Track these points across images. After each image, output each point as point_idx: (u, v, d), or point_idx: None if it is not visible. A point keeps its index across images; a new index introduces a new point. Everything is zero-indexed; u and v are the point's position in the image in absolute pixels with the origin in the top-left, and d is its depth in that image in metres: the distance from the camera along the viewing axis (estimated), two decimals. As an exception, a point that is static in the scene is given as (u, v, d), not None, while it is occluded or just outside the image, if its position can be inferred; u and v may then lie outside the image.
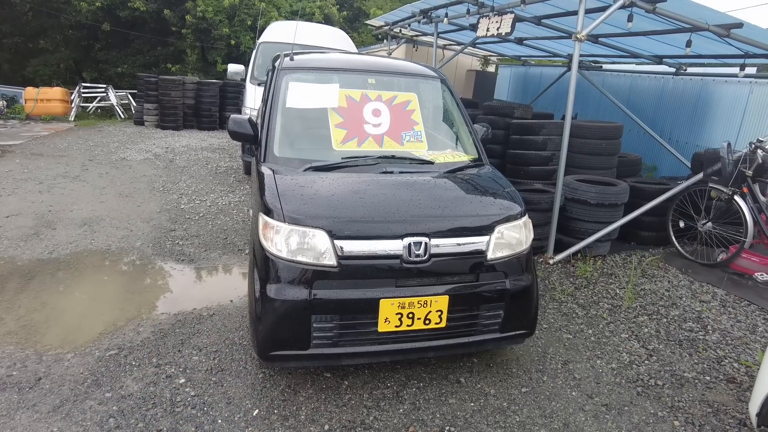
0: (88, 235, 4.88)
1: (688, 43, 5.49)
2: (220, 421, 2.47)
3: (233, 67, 9.35)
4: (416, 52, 11.61)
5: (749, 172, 4.60)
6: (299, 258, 2.45)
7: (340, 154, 3.07)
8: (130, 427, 2.39)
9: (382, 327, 2.49)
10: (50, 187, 6.46)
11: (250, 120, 3.34)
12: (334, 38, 8.25)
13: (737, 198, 4.68)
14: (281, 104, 3.25)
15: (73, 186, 6.58)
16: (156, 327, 3.30)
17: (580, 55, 5.26)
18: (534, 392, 2.87)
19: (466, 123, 3.62)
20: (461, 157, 3.36)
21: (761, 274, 4.67)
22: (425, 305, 2.51)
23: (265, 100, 3.76)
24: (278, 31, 8.27)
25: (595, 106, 9.40)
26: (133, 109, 13.91)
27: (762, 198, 4.68)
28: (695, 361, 3.32)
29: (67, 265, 4.18)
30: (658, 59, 7.63)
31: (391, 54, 10.55)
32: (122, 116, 14.13)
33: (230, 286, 4.04)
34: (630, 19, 4.79)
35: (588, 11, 4.86)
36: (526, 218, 2.88)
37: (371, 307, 2.46)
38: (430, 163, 3.15)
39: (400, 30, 10.16)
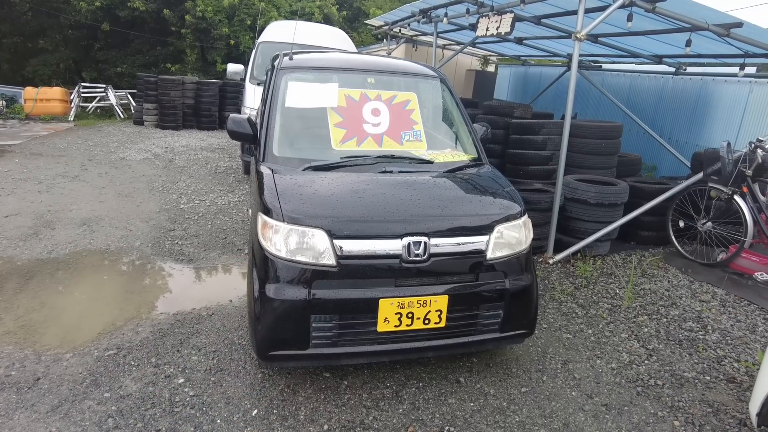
0: (88, 234, 4.87)
1: (688, 43, 5.48)
2: (219, 421, 2.47)
3: (233, 67, 9.34)
4: (416, 52, 11.60)
5: (749, 172, 4.60)
6: (298, 258, 2.44)
7: (340, 153, 3.06)
8: (128, 427, 2.39)
9: (382, 327, 2.48)
10: (49, 186, 6.45)
11: (249, 119, 3.34)
12: (333, 38, 8.24)
13: (737, 197, 4.68)
14: (280, 104, 3.25)
15: (72, 186, 6.57)
16: (155, 327, 3.29)
17: (580, 55, 5.26)
18: (534, 392, 2.86)
19: (466, 122, 3.62)
20: (461, 157, 3.35)
21: (761, 274, 4.66)
22: (425, 305, 2.50)
23: (264, 100, 3.76)
24: (278, 31, 8.26)
25: (595, 105, 9.40)
26: (132, 108, 13.91)
27: (762, 197, 4.68)
28: (695, 360, 3.31)
29: (66, 264, 4.18)
30: (658, 59, 7.62)
31: (390, 54, 10.55)
32: (122, 116, 14.12)
33: (229, 285, 4.03)
34: (630, 18, 4.79)
35: (587, 11, 4.85)
36: (525, 218, 2.88)
37: (370, 307, 2.45)
38: (430, 162, 3.15)
39: (400, 30, 10.16)
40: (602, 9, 4.76)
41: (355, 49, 8.92)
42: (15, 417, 2.41)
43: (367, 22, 12.89)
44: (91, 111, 14.42)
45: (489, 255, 2.66)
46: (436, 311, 2.53)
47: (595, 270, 4.74)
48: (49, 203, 5.75)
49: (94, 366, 2.84)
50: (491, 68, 14.21)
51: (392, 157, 3.13)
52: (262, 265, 2.52)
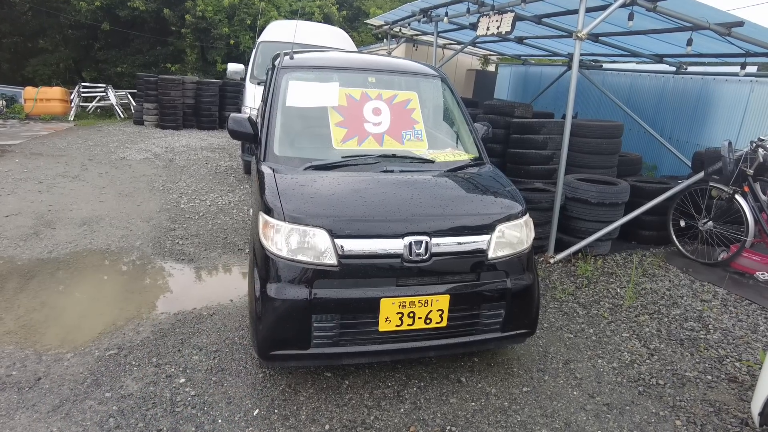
0: (88, 234, 4.87)
1: (689, 42, 5.48)
2: (220, 420, 2.46)
3: (233, 67, 9.34)
4: (416, 52, 11.59)
5: (750, 171, 4.59)
6: (299, 257, 2.44)
7: (341, 153, 3.06)
8: (130, 426, 2.38)
9: (383, 326, 2.48)
10: (50, 186, 6.45)
11: (250, 119, 3.33)
12: (334, 37, 8.24)
13: (738, 197, 4.67)
14: (281, 103, 3.24)
15: (72, 185, 6.57)
16: (156, 326, 3.29)
17: (581, 54, 5.25)
18: (535, 392, 2.86)
19: (467, 122, 3.62)
20: (462, 156, 3.35)
21: (762, 273, 4.66)
22: (426, 304, 2.50)
23: (265, 99, 3.75)
24: (278, 31, 8.26)
25: (596, 105, 9.39)
26: (132, 108, 13.91)
27: (763, 197, 4.67)
28: (697, 360, 3.31)
29: (67, 264, 4.17)
30: (659, 58, 7.61)
31: (391, 53, 10.54)
32: (122, 116, 14.12)
33: (230, 285, 4.03)
34: (631, 17, 4.78)
35: (588, 10, 4.85)
36: (527, 217, 2.87)
37: (372, 307, 2.45)
38: (431, 162, 3.14)
39: (400, 29, 10.14)
40: (603, 8, 4.76)
41: (355, 49, 8.92)
42: (16, 417, 2.41)
43: (368, 21, 12.88)
44: (91, 111, 14.42)
45: (490, 254, 2.65)
46: (438, 311, 2.53)
47: (596, 269, 4.74)
48: (49, 203, 5.75)
49: (95, 366, 2.83)
50: (492, 68, 14.20)
51: (393, 156, 3.13)
52: (264, 265, 2.51)
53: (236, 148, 9.58)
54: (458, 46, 10.33)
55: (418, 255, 2.50)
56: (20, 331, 3.14)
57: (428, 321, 2.53)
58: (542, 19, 6.61)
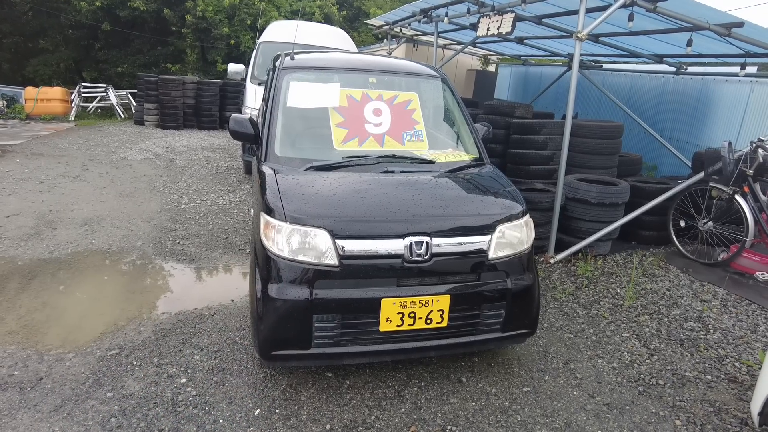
0: (89, 234, 4.88)
1: (689, 43, 5.49)
2: (221, 420, 2.47)
3: (233, 67, 9.34)
4: (416, 52, 11.60)
5: (750, 172, 4.60)
6: (301, 257, 2.45)
7: (341, 153, 3.07)
8: (131, 426, 2.39)
9: (384, 326, 2.49)
10: (51, 186, 6.46)
11: (251, 119, 3.34)
12: (334, 38, 8.24)
13: (738, 197, 4.68)
14: (282, 104, 3.25)
15: (73, 186, 6.58)
16: (157, 326, 3.30)
17: (581, 55, 5.25)
18: (535, 391, 2.87)
19: (467, 122, 3.62)
20: (462, 157, 3.35)
21: (762, 274, 4.67)
22: (427, 305, 2.51)
23: (265, 100, 3.76)
24: (278, 31, 8.26)
25: (596, 105, 9.39)
26: (133, 108, 13.91)
27: (763, 197, 4.67)
28: (696, 360, 3.32)
29: (68, 264, 4.18)
30: (659, 58, 7.62)
31: (391, 53, 10.55)
32: (122, 116, 14.13)
33: (231, 285, 4.03)
34: (631, 18, 4.79)
35: (589, 10, 4.86)
36: (527, 217, 2.88)
37: (373, 307, 2.45)
38: (431, 162, 3.15)
39: (401, 29, 10.15)
40: (603, 9, 4.76)
41: (355, 49, 8.92)
42: (18, 416, 2.42)
43: (368, 21, 12.88)
44: (91, 111, 14.42)
45: (491, 255, 2.66)
46: (438, 311, 2.53)
47: (596, 270, 4.74)
48: (50, 203, 5.76)
49: (97, 366, 2.84)
50: (492, 68, 14.20)
51: (394, 157, 3.14)
52: (265, 265, 2.52)
53: (237, 148, 9.59)
54: (458, 47, 10.33)
55: (419, 255, 2.50)
56: (22, 331, 3.14)
57: (429, 321, 2.54)
58: (542, 20, 6.62)
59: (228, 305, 3.65)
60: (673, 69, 7.81)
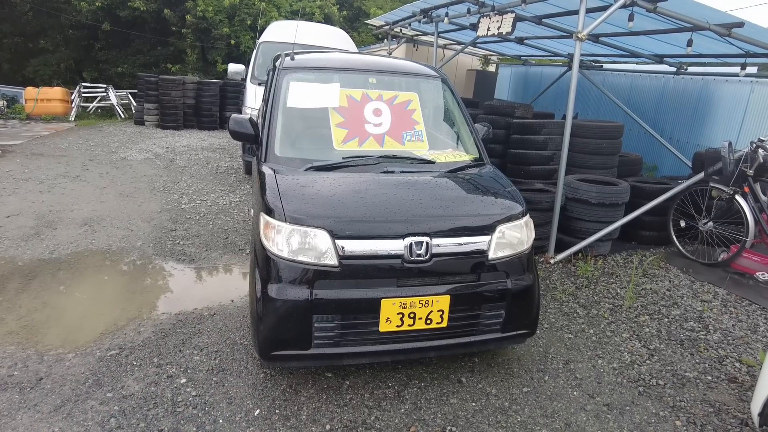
0: (89, 234, 4.88)
1: (689, 43, 5.48)
2: (221, 421, 2.47)
3: (233, 67, 9.34)
4: (416, 52, 11.60)
5: (750, 172, 4.60)
6: (300, 258, 2.44)
7: (341, 153, 3.07)
8: (131, 426, 2.39)
9: (384, 327, 2.49)
10: (51, 186, 6.46)
11: (251, 120, 3.34)
12: (334, 38, 8.24)
13: (738, 197, 4.67)
14: (282, 104, 3.25)
15: (73, 186, 6.58)
16: (157, 327, 3.30)
17: (581, 55, 5.25)
18: (535, 392, 2.87)
19: (467, 122, 3.62)
20: (462, 157, 3.35)
21: (762, 274, 4.66)
22: (426, 305, 2.51)
23: (265, 100, 3.76)
24: (279, 31, 8.26)
25: (596, 105, 9.39)
26: (133, 108, 13.91)
27: (763, 197, 4.67)
28: (697, 360, 3.31)
29: (68, 265, 4.18)
30: (659, 58, 7.62)
31: (391, 54, 10.55)
32: (122, 116, 14.13)
33: (231, 285, 4.03)
34: (631, 18, 4.79)
35: (589, 10, 4.86)
36: (527, 218, 2.88)
37: (372, 307, 2.45)
38: (431, 162, 3.15)
39: (401, 29, 10.16)
40: (603, 9, 4.76)
41: (356, 49, 8.92)
42: (18, 417, 2.42)
43: (368, 21, 12.88)
44: (91, 111, 14.43)
45: (491, 255, 2.66)
46: (438, 311, 2.53)
47: (596, 270, 4.74)
48: (50, 203, 5.76)
49: (97, 366, 2.84)
50: (492, 68, 14.20)
51: (394, 157, 3.14)
52: (265, 266, 2.52)
53: (237, 148, 9.59)
54: (459, 47, 10.33)
55: (419, 256, 2.50)
56: (22, 332, 3.14)
57: (429, 321, 2.54)
58: (542, 20, 6.62)
59: (228, 305, 3.65)
60: (674, 69, 7.81)
